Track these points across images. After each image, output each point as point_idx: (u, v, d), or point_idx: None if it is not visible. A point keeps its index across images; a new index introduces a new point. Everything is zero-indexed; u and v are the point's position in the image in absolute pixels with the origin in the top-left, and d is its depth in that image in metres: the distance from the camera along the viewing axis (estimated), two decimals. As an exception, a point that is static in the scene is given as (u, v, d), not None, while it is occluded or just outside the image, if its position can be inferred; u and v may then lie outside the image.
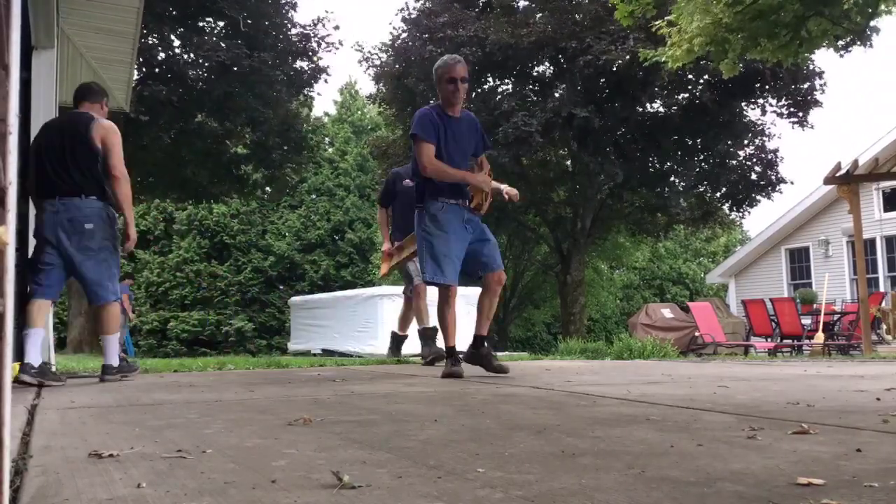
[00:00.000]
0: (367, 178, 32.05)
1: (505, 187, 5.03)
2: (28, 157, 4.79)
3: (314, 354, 13.72)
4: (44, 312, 4.69)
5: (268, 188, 21.18)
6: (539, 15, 18.41)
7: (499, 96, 18.87)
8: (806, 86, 17.91)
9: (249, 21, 16.39)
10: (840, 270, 18.01)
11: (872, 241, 17.09)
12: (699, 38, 7.17)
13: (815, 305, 13.79)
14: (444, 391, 4.10)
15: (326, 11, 35.82)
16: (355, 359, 11.42)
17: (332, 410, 3.19)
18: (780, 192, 19.36)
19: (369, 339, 13.24)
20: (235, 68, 15.66)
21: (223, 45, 15.65)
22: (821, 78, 17.96)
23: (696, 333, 14.13)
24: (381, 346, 12.51)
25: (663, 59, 7.89)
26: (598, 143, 18.18)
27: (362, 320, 13.77)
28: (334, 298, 15.64)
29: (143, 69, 15.28)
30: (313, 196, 32.54)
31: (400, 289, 15.17)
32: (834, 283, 16.44)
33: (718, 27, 7.13)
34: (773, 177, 19.12)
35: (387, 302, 13.48)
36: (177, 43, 16.34)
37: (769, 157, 19.09)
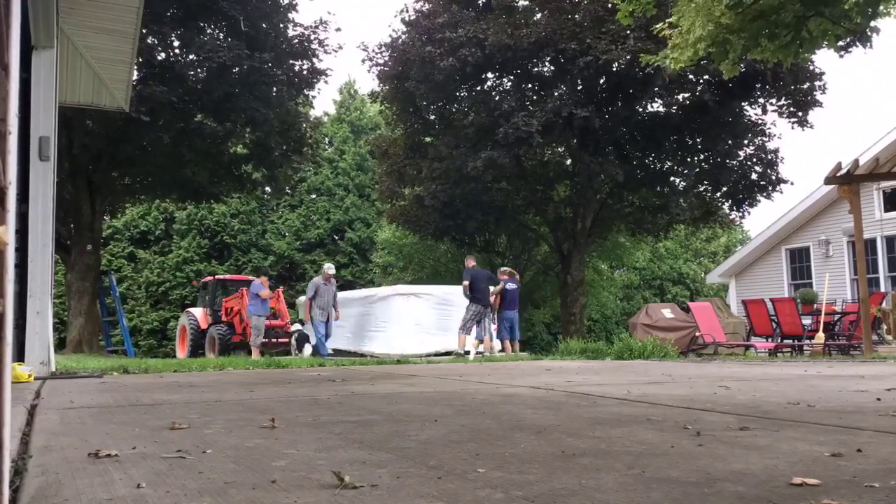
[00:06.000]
0: (366, 178, 32.03)
1: None
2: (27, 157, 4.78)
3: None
4: None
5: (267, 188, 21.17)
6: (539, 15, 18.38)
7: (498, 96, 18.85)
8: (806, 86, 17.88)
9: (249, 23, 16.35)
10: (840, 270, 17.99)
11: (873, 241, 17.07)
12: (703, 43, 7.15)
13: (815, 305, 13.75)
14: (444, 391, 4.10)
15: (329, 13, 35.79)
16: (368, 359, 11.25)
17: (332, 410, 3.19)
18: (781, 192, 19.37)
19: (383, 338, 13.04)
20: (235, 68, 15.64)
21: (222, 44, 15.62)
22: (821, 79, 17.94)
23: (697, 333, 14.10)
24: (394, 346, 12.29)
25: (666, 61, 7.85)
26: (598, 143, 18.17)
27: (376, 320, 13.55)
28: (346, 299, 15.34)
29: (144, 69, 15.26)
30: (313, 195, 32.53)
31: (411, 288, 14.92)
32: (834, 283, 16.42)
33: (719, 28, 7.11)
34: (774, 177, 19.11)
35: (401, 301, 13.22)
36: (177, 43, 16.32)
37: (769, 157, 19.08)
